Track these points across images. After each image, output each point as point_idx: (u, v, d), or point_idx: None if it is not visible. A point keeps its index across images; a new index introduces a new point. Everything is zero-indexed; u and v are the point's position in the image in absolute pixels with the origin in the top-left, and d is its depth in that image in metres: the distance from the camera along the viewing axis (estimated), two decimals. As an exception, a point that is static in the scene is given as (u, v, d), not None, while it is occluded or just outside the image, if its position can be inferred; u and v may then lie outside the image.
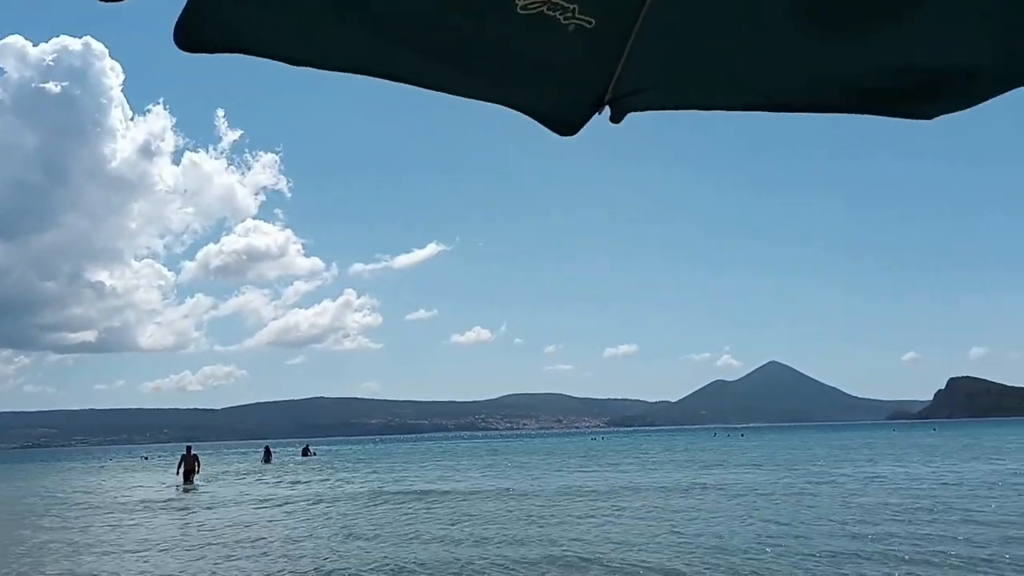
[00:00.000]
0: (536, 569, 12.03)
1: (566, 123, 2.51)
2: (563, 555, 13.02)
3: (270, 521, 20.21)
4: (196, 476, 37.26)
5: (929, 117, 2.39)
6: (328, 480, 38.00)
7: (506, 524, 17.57)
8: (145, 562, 14.33)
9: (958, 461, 36.95)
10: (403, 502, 23.96)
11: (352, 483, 34.96)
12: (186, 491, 33.54)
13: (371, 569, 12.50)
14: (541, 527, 16.91)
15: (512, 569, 12.10)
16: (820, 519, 17.02)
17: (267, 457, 65.22)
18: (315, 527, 18.46)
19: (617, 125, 2.49)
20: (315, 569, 12.62)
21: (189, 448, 39.18)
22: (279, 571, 12.62)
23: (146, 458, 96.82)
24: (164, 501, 28.57)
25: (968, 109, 2.35)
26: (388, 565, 12.69)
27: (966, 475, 28.09)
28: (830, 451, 52.82)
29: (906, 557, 12.18)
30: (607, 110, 2.45)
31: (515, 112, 2.43)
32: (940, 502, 19.72)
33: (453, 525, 17.67)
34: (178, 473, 37.60)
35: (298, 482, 37.16)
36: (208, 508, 25.18)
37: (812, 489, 24.24)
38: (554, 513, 19.50)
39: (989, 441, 62.35)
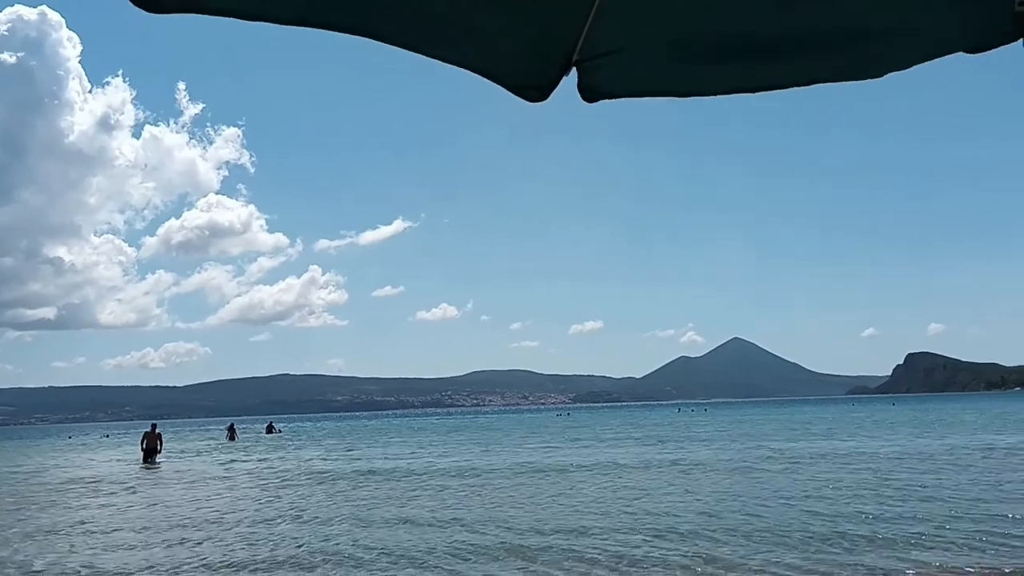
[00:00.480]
0: (487, 555, 11.90)
1: (533, 87, 2.41)
2: (515, 539, 12.92)
3: (224, 501, 19.94)
4: (158, 455, 36.98)
5: (878, 76, 2.44)
6: (289, 458, 37.80)
7: (459, 505, 17.53)
8: (82, 546, 13.98)
9: (910, 436, 37.80)
10: (360, 481, 23.86)
11: (313, 461, 34.86)
12: (145, 470, 33.33)
13: (314, 552, 12.40)
14: (495, 508, 16.89)
15: (461, 554, 12.01)
16: (770, 495, 17.22)
17: (231, 435, 65.06)
18: (269, 508, 18.21)
19: (582, 102, 2.42)
20: (252, 557, 12.45)
21: (154, 426, 38.65)
22: (222, 557, 12.40)
23: (107, 436, 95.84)
24: (120, 481, 28.04)
25: (909, 78, 2.48)
26: (334, 551, 12.51)
27: (916, 449, 28.78)
28: (789, 426, 53.78)
29: (850, 532, 12.35)
30: (574, 73, 2.37)
31: (483, 88, 2.33)
32: (888, 477, 20.08)
33: (405, 507, 17.55)
34: (142, 451, 37.24)
35: (259, 460, 36.94)
36: (162, 488, 24.89)
37: (765, 465, 24.63)
38: (509, 492, 19.48)
39: (941, 415, 63.82)
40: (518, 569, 10.85)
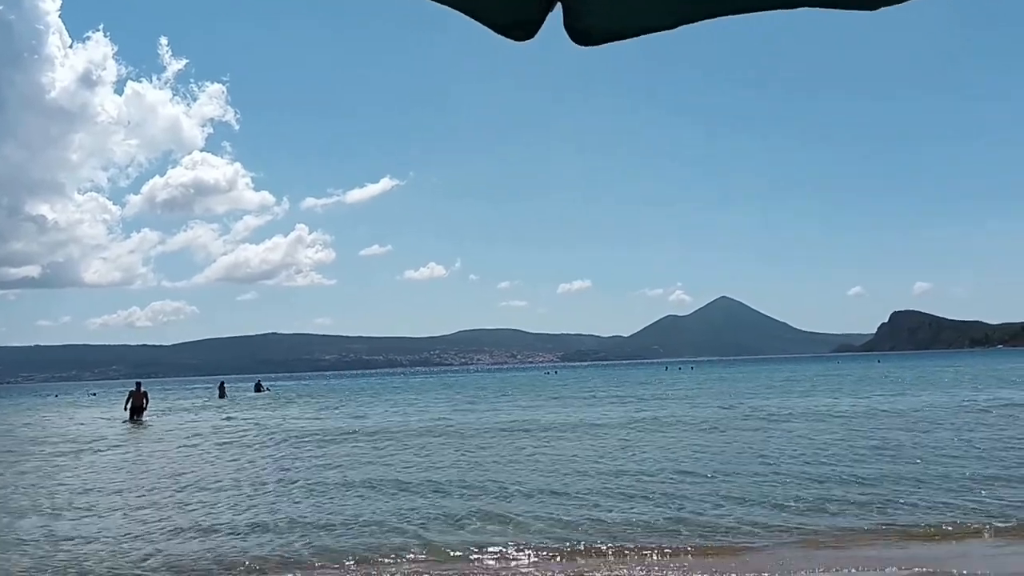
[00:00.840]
0: (458, 518, 11.65)
1: (517, 25, 2.25)
2: (486, 502, 12.75)
3: (200, 462, 19.73)
4: (144, 413, 36.99)
5: (872, 8, 2.34)
6: (274, 417, 37.64)
7: (433, 466, 17.22)
8: (45, 507, 13.82)
9: (891, 394, 37.98)
10: (338, 440, 23.75)
11: (296, 419, 34.98)
12: (129, 429, 33.25)
13: (281, 516, 12.30)
14: (468, 469, 16.67)
15: (431, 517, 11.82)
16: (745, 454, 17.33)
17: (221, 393, 65.30)
18: (247, 469, 17.99)
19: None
20: (215, 522, 12.34)
21: (139, 384, 38.56)
22: (187, 521, 12.18)
23: (94, 395, 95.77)
24: (98, 439, 27.74)
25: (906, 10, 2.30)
26: (302, 514, 12.25)
27: (895, 407, 28.79)
28: (771, 384, 54.15)
29: (821, 492, 12.36)
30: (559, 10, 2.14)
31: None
32: (864, 435, 20.14)
33: (380, 467, 17.34)
34: (125, 409, 37.21)
35: (244, 419, 36.49)
36: (142, 446, 24.74)
37: (743, 423, 24.68)
38: (485, 453, 19.31)
39: (923, 373, 64.21)
40: (488, 532, 10.76)
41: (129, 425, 34.61)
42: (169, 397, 73.81)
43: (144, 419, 36.20)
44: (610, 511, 11.74)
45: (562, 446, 20.35)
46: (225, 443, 24.51)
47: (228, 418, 37.44)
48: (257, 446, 23.16)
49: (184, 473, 17.56)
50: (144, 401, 37.01)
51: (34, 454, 23.77)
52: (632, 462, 16.79)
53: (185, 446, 24.00)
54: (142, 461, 20.58)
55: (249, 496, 14.19)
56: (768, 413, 28.22)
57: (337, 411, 41.29)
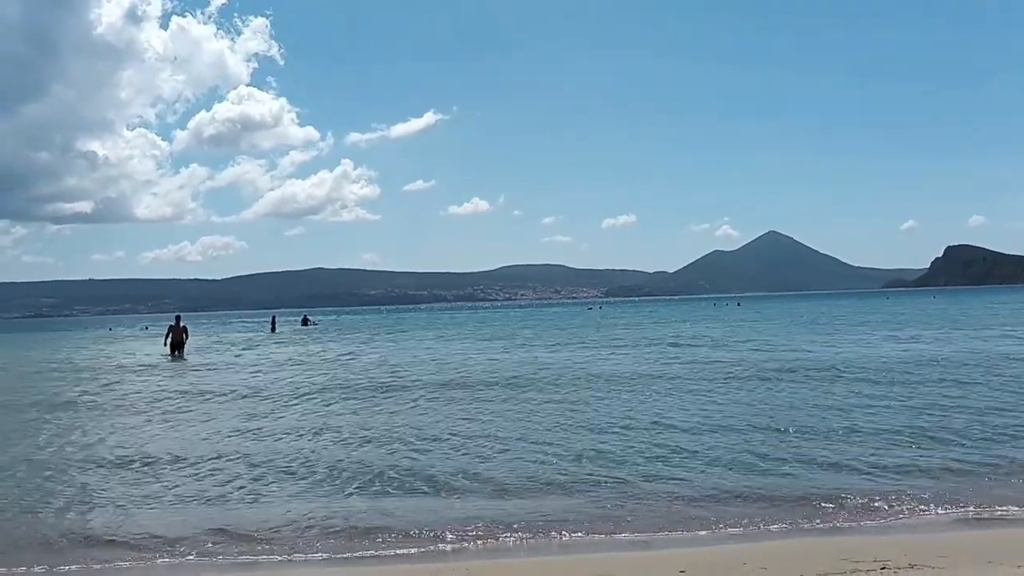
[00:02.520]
0: (440, 483, 11.06)
1: None
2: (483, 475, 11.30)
3: (222, 406, 19.07)
4: (185, 347, 37.27)
5: None
6: (313, 352, 38.24)
7: (447, 423, 16.38)
8: (46, 444, 13.73)
9: (940, 336, 36.71)
10: (366, 385, 23.02)
11: (325, 355, 35.26)
12: (169, 364, 33.55)
13: (277, 475, 11.96)
14: (475, 424, 15.89)
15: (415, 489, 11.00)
16: (756, 400, 16.72)
17: (273, 326, 66.19)
18: (271, 420, 16.92)
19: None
20: (203, 486, 12.00)
21: (178, 319, 38.69)
22: (183, 483, 11.84)
23: (147, 327, 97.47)
24: (133, 369, 27.80)
25: None
26: (307, 472, 11.42)
27: (931, 350, 27.52)
28: (812, 324, 53.06)
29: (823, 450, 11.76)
30: None
31: None
32: (887, 377, 19.47)
33: (396, 427, 16.12)
34: (165, 345, 37.49)
35: (284, 357, 36.21)
36: (171, 382, 24.02)
37: (772, 366, 23.60)
38: (503, 407, 17.62)
39: (974, 310, 62.27)
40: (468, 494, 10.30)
41: (172, 360, 34.90)
42: (223, 331, 74.61)
43: (184, 354, 36.47)
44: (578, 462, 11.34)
45: (574, 396, 19.21)
46: (254, 385, 23.91)
47: (267, 355, 37.48)
48: (287, 394, 21.62)
49: (201, 421, 17.03)
50: (184, 336, 37.28)
51: (69, 387, 23.17)
52: (642, 414, 16.04)
53: (212, 387, 23.49)
54: (167, 405, 19.84)
55: (265, 449, 13.78)
56: (804, 361, 26.06)
57: (373, 347, 41.54)
